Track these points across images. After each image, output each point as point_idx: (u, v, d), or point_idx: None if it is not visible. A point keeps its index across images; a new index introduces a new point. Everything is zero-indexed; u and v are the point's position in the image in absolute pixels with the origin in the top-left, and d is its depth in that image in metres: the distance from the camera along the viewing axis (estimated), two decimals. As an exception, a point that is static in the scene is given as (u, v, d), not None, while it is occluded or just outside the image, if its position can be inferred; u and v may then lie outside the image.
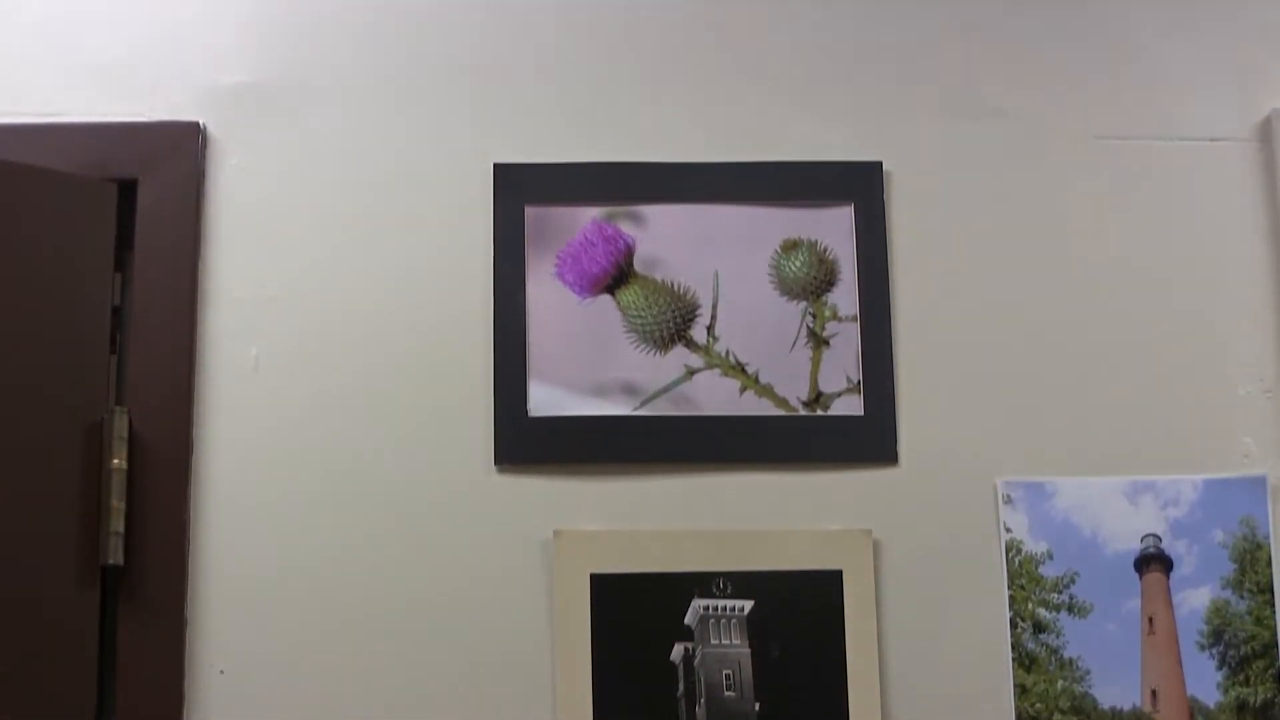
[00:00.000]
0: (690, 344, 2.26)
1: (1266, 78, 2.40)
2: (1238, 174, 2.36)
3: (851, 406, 2.26)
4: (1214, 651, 2.23)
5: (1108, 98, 2.38)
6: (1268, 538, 2.26)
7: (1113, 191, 2.35)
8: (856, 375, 2.27)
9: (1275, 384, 2.31)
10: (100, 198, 2.25)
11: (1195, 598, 2.25)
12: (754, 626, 2.18)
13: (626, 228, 2.28)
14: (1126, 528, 2.26)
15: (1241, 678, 2.22)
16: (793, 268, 2.28)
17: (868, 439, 2.25)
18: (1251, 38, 2.41)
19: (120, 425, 2.17)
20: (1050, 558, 2.24)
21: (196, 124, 2.30)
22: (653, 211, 2.28)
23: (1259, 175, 2.36)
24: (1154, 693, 2.22)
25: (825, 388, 2.26)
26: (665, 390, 2.25)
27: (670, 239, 2.28)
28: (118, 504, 2.15)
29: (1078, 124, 2.36)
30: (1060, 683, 2.21)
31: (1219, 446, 2.29)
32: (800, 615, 2.19)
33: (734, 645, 2.18)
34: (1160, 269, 2.33)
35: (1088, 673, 2.22)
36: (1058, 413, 2.28)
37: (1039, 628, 2.22)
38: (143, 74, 2.31)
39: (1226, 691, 2.22)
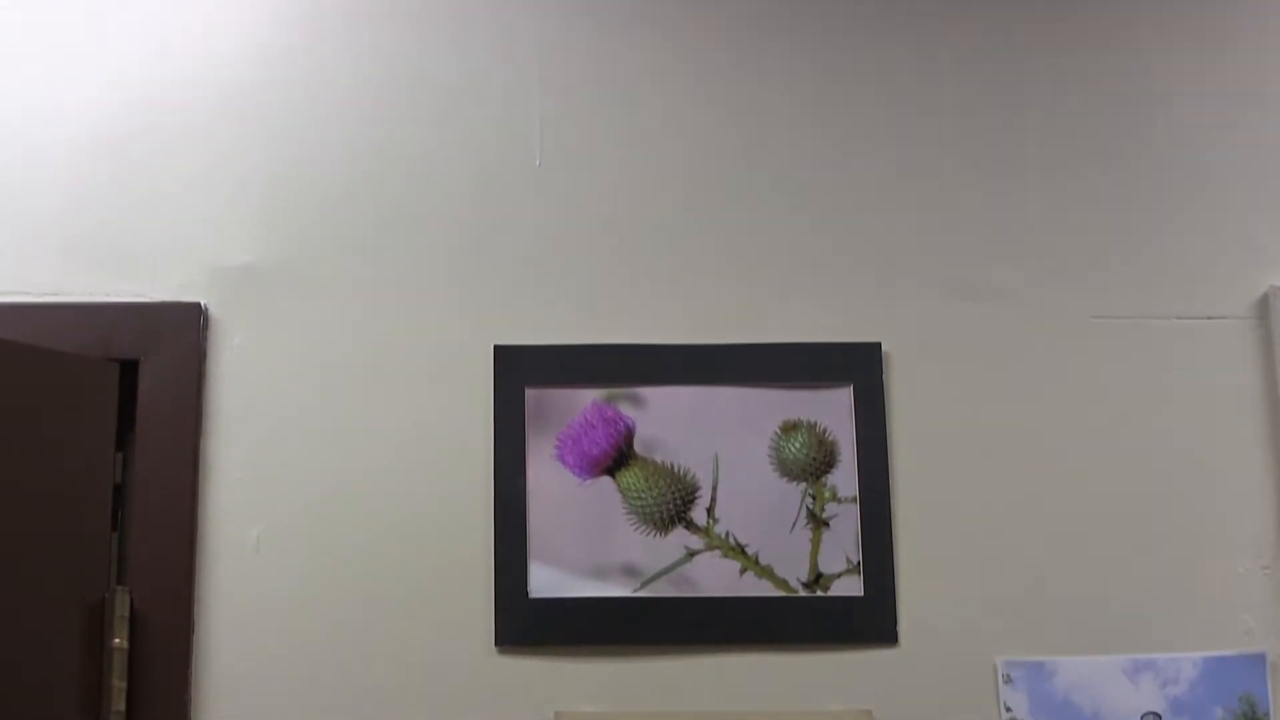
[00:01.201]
0: (690, 525, 2.33)
1: (1263, 255, 2.46)
2: (1236, 351, 2.43)
3: (851, 587, 2.32)
4: (1215, 828, 2.29)
5: (1104, 277, 2.44)
6: (1268, 715, 2.31)
7: (1110, 371, 2.41)
8: (856, 556, 2.33)
9: (1274, 561, 2.36)
10: (102, 377, 2.30)
11: (1196, 774, 2.30)
12: (756, 807, 2.24)
13: (626, 409, 2.35)
14: (1127, 706, 2.31)
15: None
16: (792, 449, 2.35)
17: (868, 620, 2.31)
18: (1248, 215, 2.47)
19: (121, 604, 2.22)
20: (1052, 737, 2.29)
21: (198, 305, 2.36)
22: (653, 393, 2.35)
23: (1257, 352, 2.42)
24: None
25: (825, 569, 2.33)
26: (666, 572, 2.32)
27: (670, 421, 2.35)
28: (119, 683, 2.19)
29: (1075, 304, 2.43)
30: None
31: (1218, 624, 2.34)
32: (804, 794, 2.24)
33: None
34: (1158, 447, 2.39)
35: None
36: (1057, 592, 2.33)
37: (1041, 808, 2.27)
38: (144, 255, 2.37)
39: None
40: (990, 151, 2.48)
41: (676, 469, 2.33)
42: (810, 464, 2.33)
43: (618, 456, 2.32)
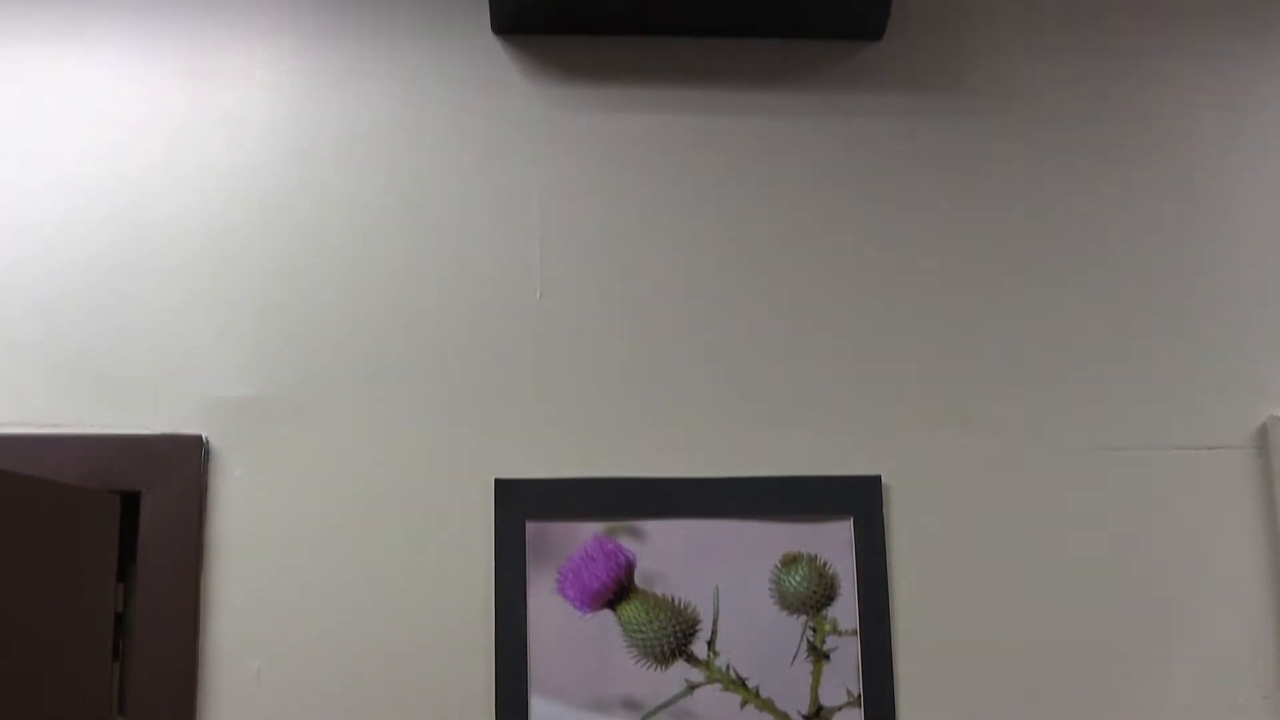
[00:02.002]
0: (691, 659, 2.37)
1: (1262, 384, 2.51)
2: (1235, 481, 2.47)
3: (852, 720, 2.37)
4: None
5: (1103, 408, 2.49)
6: (1272, 846, 2.35)
7: (1110, 502, 2.45)
8: (857, 689, 2.37)
9: (1274, 691, 2.40)
10: (103, 509, 2.33)
11: None
12: None
13: (627, 542, 2.39)
14: (1131, 839, 2.35)
15: None
16: (793, 582, 2.40)
17: (869, 753, 2.35)
18: (1246, 345, 2.53)
19: (122, 736, 2.26)
20: None
21: (199, 437, 2.40)
22: (653, 526, 2.40)
23: (1256, 482, 2.47)
24: None
25: (826, 701, 2.37)
26: (666, 705, 2.35)
27: (670, 554, 2.39)
28: (120, 815, 2.23)
29: (1074, 435, 2.47)
30: None
31: (1220, 753, 2.37)
32: None
33: None
34: (1158, 577, 2.43)
35: None
36: (1060, 723, 2.37)
37: None
38: (145, 387, 2.41)
39: None
40: (990, 284, 2.54)
41: (677, 602, 2.37)
42: (811, 597, 2.38)
43: (618, 589, 2.36)
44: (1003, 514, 2.43)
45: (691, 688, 2.34)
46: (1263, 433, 2.47)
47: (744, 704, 2.34)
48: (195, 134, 2.52)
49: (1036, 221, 2.57)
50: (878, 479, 2.41)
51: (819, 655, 2.35)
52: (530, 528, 2.36)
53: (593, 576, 2.35)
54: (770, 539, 2.38)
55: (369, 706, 2.31)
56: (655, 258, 2.51)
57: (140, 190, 2.49)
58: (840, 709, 2.34)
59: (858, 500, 2.40)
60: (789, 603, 2.36)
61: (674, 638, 2.34)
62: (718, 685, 2.34)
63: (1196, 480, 2.46)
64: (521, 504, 2.36)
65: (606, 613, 2.35)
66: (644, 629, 2.34)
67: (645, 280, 2.50)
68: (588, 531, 2.38)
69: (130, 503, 2.37)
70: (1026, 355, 2.51)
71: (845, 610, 2.37)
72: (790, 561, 2.38)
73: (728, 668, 2.35)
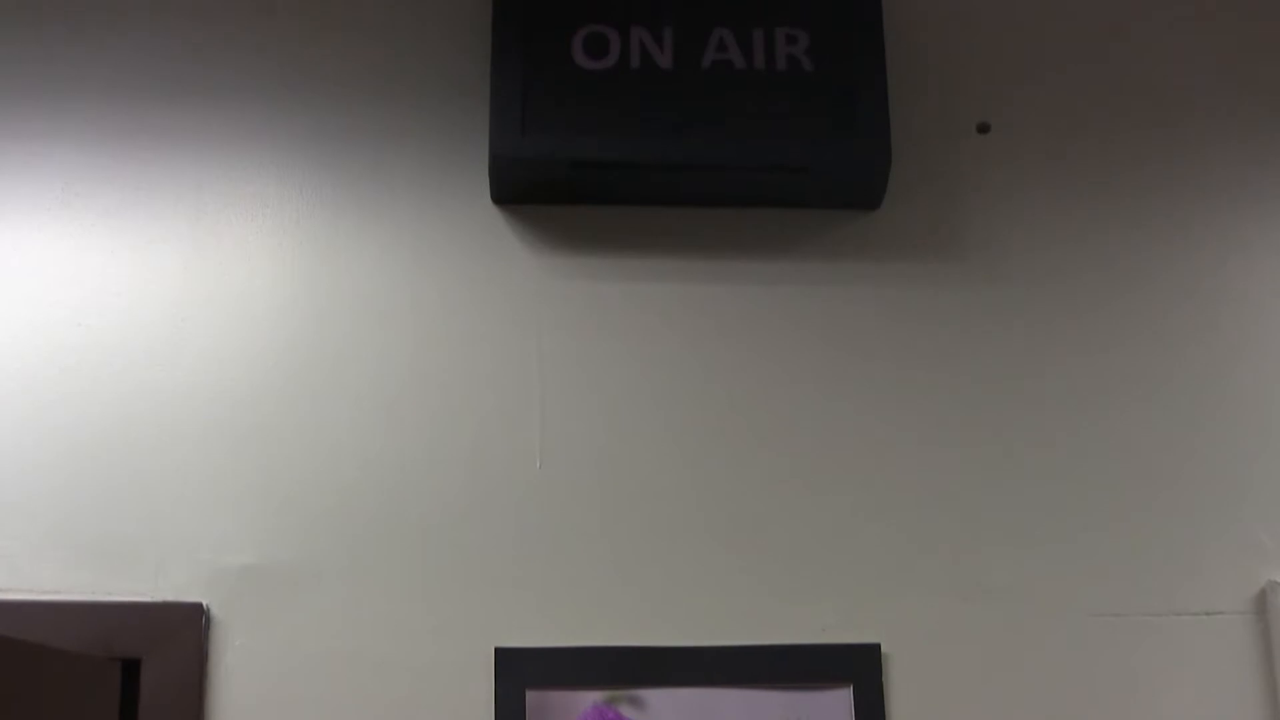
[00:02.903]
0: (691, 830, 2.40)
1: (1260, 550, 2.55)
2: (1234, 647, 2.50)
3: None
4: None
5: (1101, 573, 2.52)
6: None
7: (1109, 668, 2.48)
8: (858, 844, 2.38)
9: None
10: (104, 677, 2.36)
11: None
12: None
13: (627, 711, 2.42)
14: None
15: None
16: (793, 750, 2.43)
17: None
18: (1245, 510, 2.57)
19: None
20: None
21: (200, 605, 2.43)
22: (653, 695, 2.43)
23: (1256, 647, 2.50)
24: None
25: None
26: None
27: (671, 722, 2.42)
28: None
29: (1072, 601, 2.51)
30: None
31: None
32: None
33: None
34: (1159, 745, 2.45)
35: None
36: None
37: None
38: (146, 554, 2.45)
39: None
40: (987, 449, 2.59)
41: (677, 770, 2.40)
42: (810, 762, 2.41)
43: (619, 758, 2.40)
44: (1002, 681, 2.46)
45: None
46: (1261, 598, 2.51)
47: None
48: (196, 304, 2.58)
49: (1033, 386, 2.62)
50: (877, 647, 2.46)
51: (820, 823, 2.38)
52: (531, 696, 2.40)
53: (593, 745, 2.39)
54: (769, 707, 2.43)
55: None
56: (655, 425, 2.56)
57: (143, 359, 2.55)
58: None
59: (857, 668, 2.44)
60: (789, 770, 2.40)
61: (673, 808, 2.37)
62: None
63: (1196, 646, 2.49)
64: (522, 673, 2.40)
65: (608, 781, 2.38)
66: (644, 798, 2.38)
67: (645, 448, 2.55)
68: (588, 700, 2.41)
69: (131, 670, 2.39)
70: (1024, 521, 2.55)
71: (846, 777, 2.41)
72: (790, 730, 2.41)
73: (729, 835, 2.37)
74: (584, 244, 2.65)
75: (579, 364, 2.59)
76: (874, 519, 2.53)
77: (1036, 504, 2.56)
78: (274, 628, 2.43)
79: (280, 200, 2.65)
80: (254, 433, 2.53)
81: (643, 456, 2.55)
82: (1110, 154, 2.78)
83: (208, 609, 2.44)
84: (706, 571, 2.50)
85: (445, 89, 2.74)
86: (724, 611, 2.48)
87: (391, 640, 2.43)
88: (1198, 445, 2.61)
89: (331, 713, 2.39)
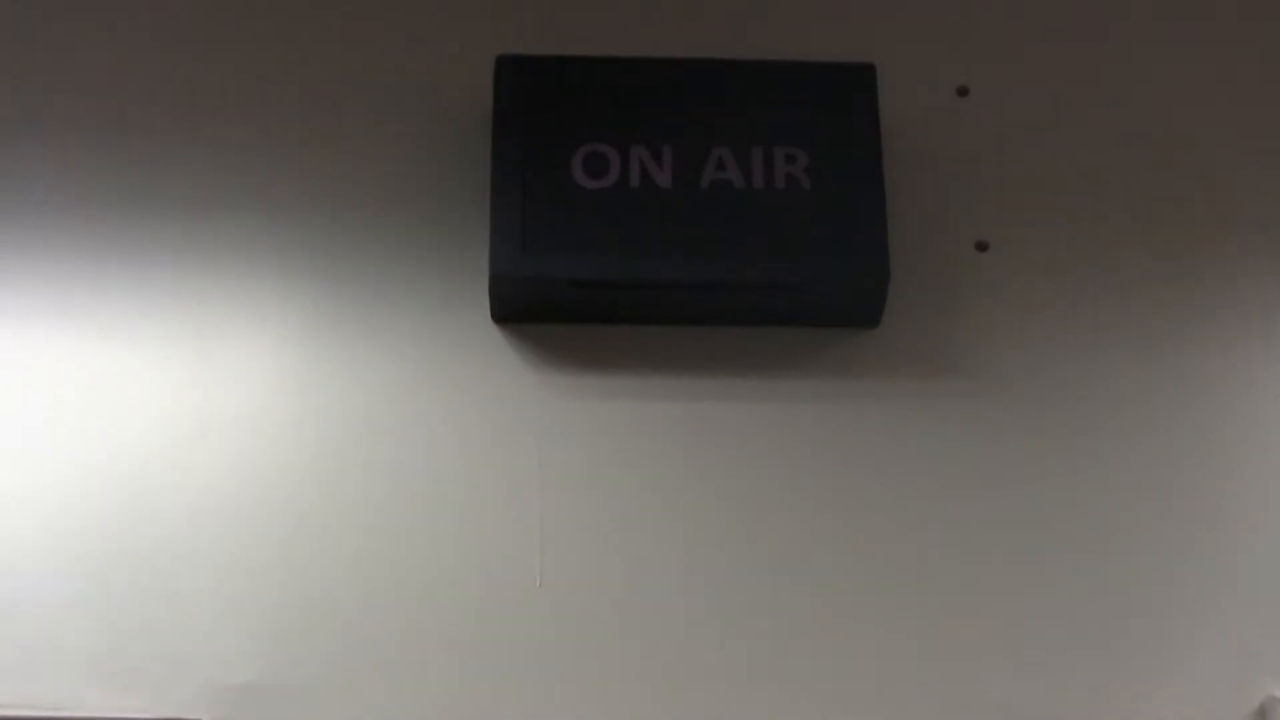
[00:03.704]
0: None
1: (1259, 664, 2.56)
2: (1234, 762, 2.50)
3: None
4: None
5: (1098, 689, 2.54)
6: None
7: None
8: None
9: None
10: (102, 789, 2.41)
11: None
12: None
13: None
14: None
15: None
16: None
17: None
18: (1244, 624, 2.59)
19: None
20: None
21: (201, 722, 2.45)
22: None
23: (1256, 763, 2.50)
24: None
25: None
26: None
27: None
28: None
29: (1072, 715, 2.54)
30: None
31: None
32: None
33: None
34: None
35: None
36: None
37: None
38: (147, 670, 2.46)
39: None
40: (986, 565, 2.62)
41: None
42: None
43: None
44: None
45: None
46: (1261, 713, 2.53)
47: None
48: (198, 421, 2.63)
49: (1033, 503, 2.66)
50: (878, 764, 2.47)
51: None
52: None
53: None
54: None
55: None
56: (656, 544, 2.59)
57: (143, 474, 2.60)
58: None
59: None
60: None
61: None
62: None
63: (1196, 757, 2.48)
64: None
65: None
66: None
67: (646, 567, 2.58)
68: (590, 820, 2.43)
69: (129, 783, 2.39)
70: (1022, 636, 2.58)
71: None
72: None
73: None
74: (584, 362, 2.70)
75: (580, 482, 2.63)
76: (873, 636, 2.56)
77: (1035, 619, 2.59)
78: (275, 747, 2.42)
79: (281, 317, 2.70)
80: (254, 550, 2.56)
81: (644, 575, 2.58)
82: (1108, 272, 2.83)
83: (208, 727, 2.42)
84: (709, 692, 2.52)
85: (445, 207, 2.79)
86: (727, 727, 2.46)
87: (395, 752, 2.42)
88: (1197, 558, 2.64)
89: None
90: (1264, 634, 2.60)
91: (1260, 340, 2.81)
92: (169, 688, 2.47)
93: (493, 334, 2.72)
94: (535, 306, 2.68)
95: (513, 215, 2.64)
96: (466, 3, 2.96)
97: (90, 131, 2.82)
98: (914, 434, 2.70)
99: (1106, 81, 2.98)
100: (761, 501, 2.64)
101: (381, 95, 2.87)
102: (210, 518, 2.57)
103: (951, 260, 2.81)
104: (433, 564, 2.56)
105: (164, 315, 2.70)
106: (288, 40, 2.91)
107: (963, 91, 2.94)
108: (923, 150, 2.88)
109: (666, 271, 2.64)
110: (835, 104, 2.75)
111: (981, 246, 2.83)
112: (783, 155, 2.70)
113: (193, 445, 2.61)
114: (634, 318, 2.70)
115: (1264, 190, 2.92)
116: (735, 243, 2.66)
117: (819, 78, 2.78)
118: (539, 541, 2.58)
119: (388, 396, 2.66)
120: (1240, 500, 2.69)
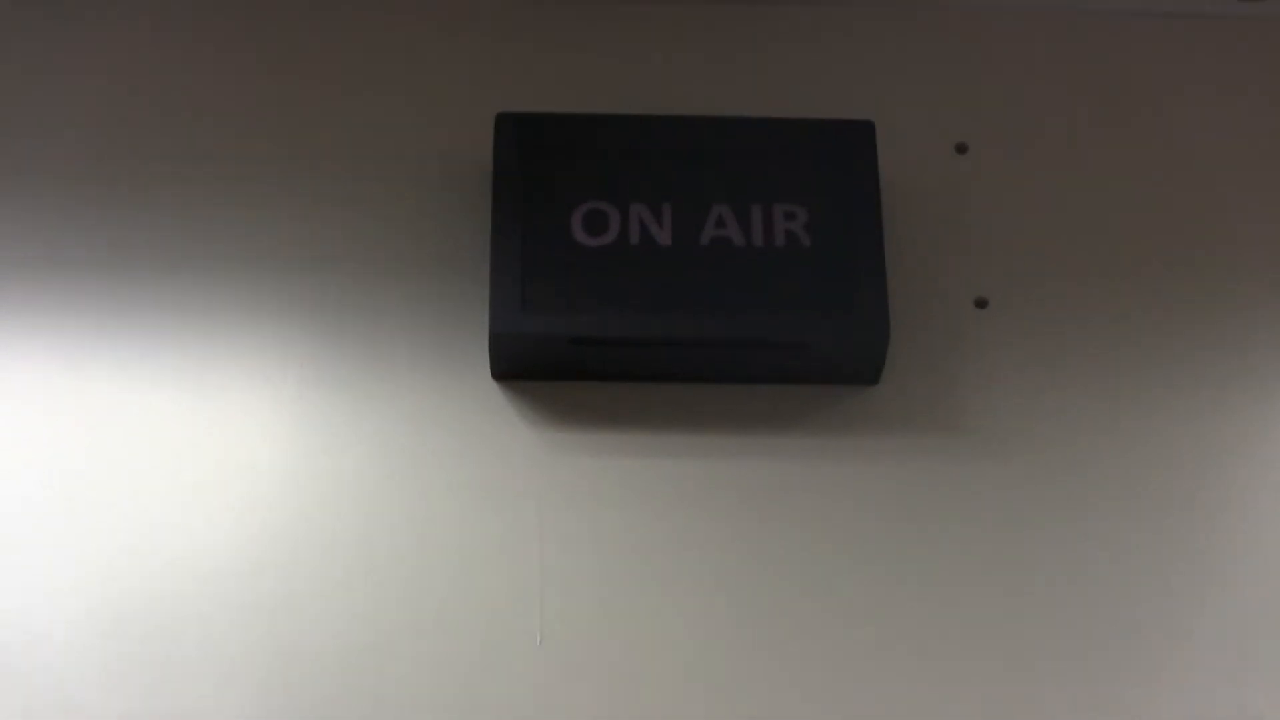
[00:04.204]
0: None
1: (1255, 685, 2.60)
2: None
3: None
4: None
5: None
6: None
7: None
8: None
9: None
10: None
11: None
12: None
13: None
14: None
15: None
16: None
17: None
18: (1250, 691, 2.61)
19: None
20: None
21: (197, 784, 2.48)
22: None
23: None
24: None
25: None
26: None
27: None
28: None
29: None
30: None
31: None
32: None
33: None
34: None
35: None
36: None
37: None
38: None
39: None
40: (989, 621, 2.63)
41: None
42: None
43: None
44: None
45: None
46: (1253, 738, 2.50)
47: None
48: (198, 480, 2.65)
49: (1034, 563, 2.67)
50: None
51: None
52: None
53: None
54: None
55: None
56: (656, 602, 2.60)
57: (140, 533, 2.61)
58: None
59: None
60: None
61: None
62: None
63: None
64: None
65: None
66: None
67: (646, 625, 2.58)
68: None
69: None
70: (1024, 700, 2.58)
71: None
72: None
73: None
74: (584, 420, 2.71)
75: (580, 539, 2.64)
76: (874, 695, 2.57)
77: (1037, 682, 2.59)
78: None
79: (282, 375, 2.71)
80: (252, 608, 2.56)
81: (644, 633, 2.58)
82: (1107, 329, 2.84)
83: (207, 795, 2.43)
84: None
85: (445, 264, 2.81)
86: None
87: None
88: (1203, 624, 2.64)
89: None
90: (1257, 689, 2.62)
91: (1262, 394, 2.83)
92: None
93: (493, 391, 2.73)
94: (535, 364, 2.69)
95: (512, 273, 2.65)
96: (466, 61, 2.98)
97: (93, 190, 2.84)
98: (914, 491, 2.71)
99: (1105, 138, 2.99)
100: (762, 559, 2.65)
101: (381, 153, 2.90)
102: (208, 575, 2.58)
103: (951, 317, 2.83)
104: (432, 622, 2.57)
105: (164, 374, 2.71)
106: (288, 101, 2.93)
107: (961, 148, 2.95)
108: (922, 207, 2.90)
109: (666, 329, 2.66)
110: (835, 161, 2.77)
111: (981, 303, 2.84)
112: (782, 212, 2.72)
113: (192, 503, 2.62)
114: (633, 375, 2.72)
115: (1267, 244, 2.94)
116: (735, 300, 2.68)
117: (818, 135, 2.79)
118: (539, 599, 2.58)
119: (387, 454, 2.67)
120: (1249, 565, 2.71)
